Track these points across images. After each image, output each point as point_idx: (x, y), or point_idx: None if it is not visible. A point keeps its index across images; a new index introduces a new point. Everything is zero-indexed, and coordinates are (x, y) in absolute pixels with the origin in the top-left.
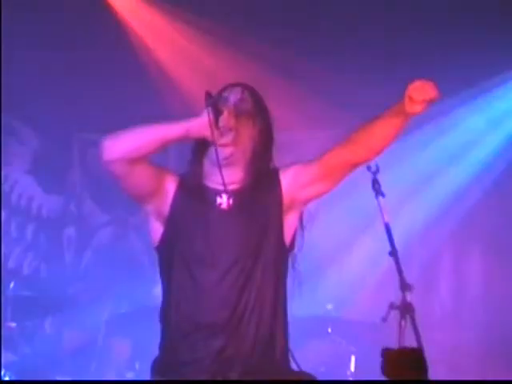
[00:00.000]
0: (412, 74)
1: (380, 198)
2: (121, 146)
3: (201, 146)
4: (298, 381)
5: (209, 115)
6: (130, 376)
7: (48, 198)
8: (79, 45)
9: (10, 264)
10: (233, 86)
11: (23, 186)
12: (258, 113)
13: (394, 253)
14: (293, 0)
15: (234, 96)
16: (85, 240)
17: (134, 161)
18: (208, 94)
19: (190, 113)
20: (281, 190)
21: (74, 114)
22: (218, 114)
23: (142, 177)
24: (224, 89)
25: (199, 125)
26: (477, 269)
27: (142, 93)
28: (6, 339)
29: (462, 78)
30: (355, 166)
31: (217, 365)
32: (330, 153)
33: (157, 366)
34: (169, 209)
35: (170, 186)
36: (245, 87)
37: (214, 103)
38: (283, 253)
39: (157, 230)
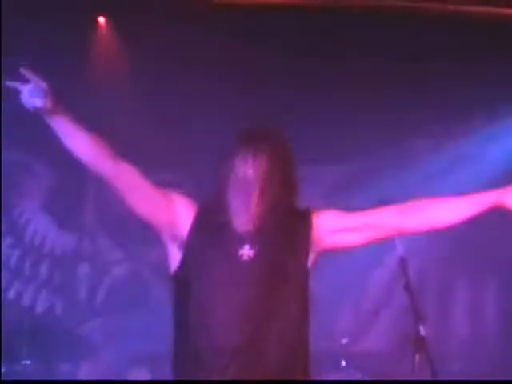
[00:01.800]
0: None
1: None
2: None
3: (232, 191)
4: (298, 381)
5: None
6: None
7: (62, 235)
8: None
9: (25, 301)
10: (247, 145)
11: (37, 222)
12: (280, 159)
13: (408, 287)
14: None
15: (244, 166)
16: (99, 277)
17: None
18: None
19: None
20: (311, 230)
21: None
22: None
23: (138, 188)
24: (240, 147)
25: None
26: (492, 299)
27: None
28: (22, 375)
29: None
30: (399, 232)
31: None
32: (380, 210)
33: None
34: (187, 236)
35: (185, 210)
36: (260, 147)
37: None
38: (305, 289)
39: (174, 255)
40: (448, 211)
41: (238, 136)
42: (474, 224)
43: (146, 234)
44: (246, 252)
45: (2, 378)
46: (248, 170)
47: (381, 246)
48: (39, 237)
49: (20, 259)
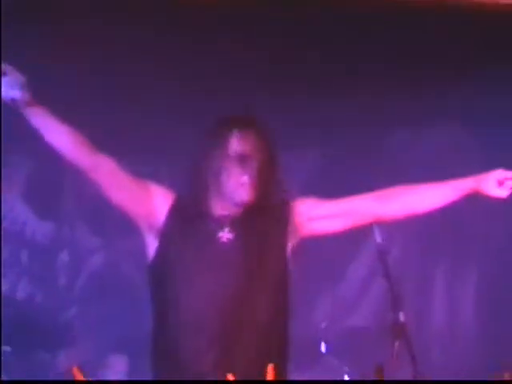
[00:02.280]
0: None
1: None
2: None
3: (210, 177)
4: (298, 381)
5: None
6: None
7: (41, 224)
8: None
9: (5, 289)
10: (242, 126)
11: (16, 212)
12: (266, 155)
13: (386, 274)
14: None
15: (242, 143)
16: (78, 265)
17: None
18: None
19: None
20: (290, 217)
21: None
22: None
23: (114, 179)
24: (233, 127)
25: None
26: (470, 287)
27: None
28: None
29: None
30: (378, 219)
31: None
32: (358, 197)
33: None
34: (162, 225)
35: (161, 199)
36: (254, 129)
37: None
38: (285, 274)
39: (151, 243)
40: (425, 197)
41: (220, 121)
42: (452, 211)
43: (124, 223)
44: (226, 235)
45: None
46: (240, 148)
47: (360, 233)
48: (19, 225)
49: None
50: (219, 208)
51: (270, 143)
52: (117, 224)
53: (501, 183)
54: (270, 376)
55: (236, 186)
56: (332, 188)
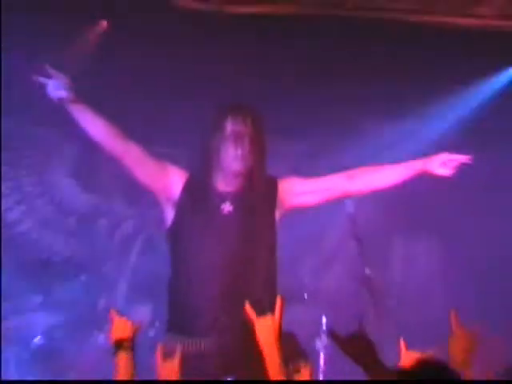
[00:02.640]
0: None
1: None
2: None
3: (214, 155)
4: (301, 381)
5: None
6: (151, 333)
7: (85, 196)
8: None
9: (57, 247)
10: (236, 112)
11: (66, 186)
12: (255, 135)
13: (356, 237)
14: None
15: (236, 124)
16: (113, 229)
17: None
18: None
19: None
20: (277, 193)
21: None
22: None
23: (140, 162)
24: (229, 113)
25: None
26: (423, 247)
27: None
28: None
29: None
30: (348, 194)
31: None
32: (332, 176)
33: (169, 325)
34: (177, 199)
35: (177, 177)
36: (246, 114)
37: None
38: (274, 239)
39: (169, 213)
40: (385, 176)
41: (222, 108)
42: (409, 186)
43: (148, 196)
44: (227, 207)
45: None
46: (233, 129)
47: (334, 205)
48: (67, 197)
49: (54, 214)
50: (223, 185)
51: (259, 126)
52: (143, 197)
53: (444, 164)
54: (278, 306)
55: (231, 159)
56: (314, 166)
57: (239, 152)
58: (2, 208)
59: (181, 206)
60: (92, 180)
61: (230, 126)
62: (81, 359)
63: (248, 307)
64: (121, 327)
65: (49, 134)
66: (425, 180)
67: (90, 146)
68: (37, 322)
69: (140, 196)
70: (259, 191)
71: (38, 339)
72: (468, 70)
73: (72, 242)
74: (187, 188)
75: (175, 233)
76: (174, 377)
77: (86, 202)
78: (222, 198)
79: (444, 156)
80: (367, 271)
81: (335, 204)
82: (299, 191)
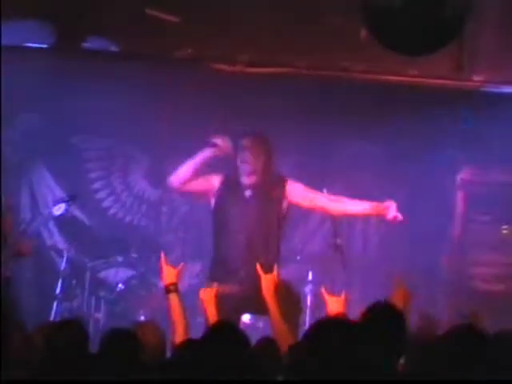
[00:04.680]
0: None
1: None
2: (180, 176)
3: (238, 162)
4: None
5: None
6: (195, 282)
7: (153, 190)
8: None
9: (133, 221)
10: (247, 135)
11: (140, 183)
12: (263, 149)
13: (332, 217)
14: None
15: (247, 143)
16: (173, 212)
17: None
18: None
19: None
20: (285, 189)
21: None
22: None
23: (196, 182)
24: (243, 136)
25: (213, 155)
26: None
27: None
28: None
29: None
30: (326, 211)
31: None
32: (322, 195)
33: (209, 275)
34: (217, 190)
35: (216, 181)
36: (254, 136)
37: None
38: (281, 218)
39: (212, 201)
40: (353, 207)
41: (240, 134)
42: None
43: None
44: (248, 193)
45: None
46: (247, 149)
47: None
48: (142, 191)
49: (132, 203)
50: (245, 179)
51: (268, 147)
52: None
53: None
54: (275, 271)
55: (243, 174)
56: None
57: (251, 159)
58: (98, 198)
59: (219, 195)
60: (158, 179)
61: (244, 147)
62: (149, 300)
63: (258, 267)
64: (169, 273)
65: (130, 148)
66: None
67: (157, 157)
68: (119, 274)
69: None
70: (272, 184)
71: (120, 286)
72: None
73: (144, 221)
74: (223, 183)
75: (217, 212)
76: (213, 301)
77: (153, 194)
78: (245, 187)
79: (392, 205)
80: (338, 241)
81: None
82: (298, 195)
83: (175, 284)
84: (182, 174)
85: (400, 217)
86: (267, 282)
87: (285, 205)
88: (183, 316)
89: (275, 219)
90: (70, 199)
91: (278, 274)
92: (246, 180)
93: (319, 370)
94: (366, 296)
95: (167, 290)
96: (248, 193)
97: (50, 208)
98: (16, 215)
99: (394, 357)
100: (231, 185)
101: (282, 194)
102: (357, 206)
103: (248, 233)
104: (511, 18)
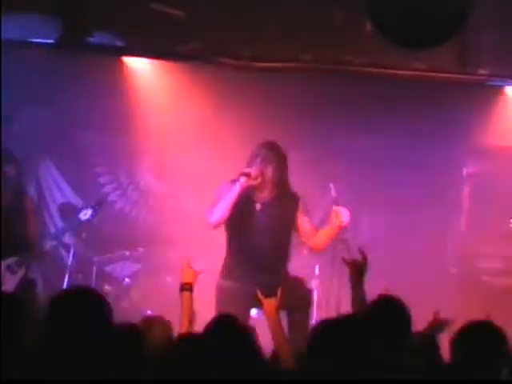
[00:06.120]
0: None
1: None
2: (219, 217)
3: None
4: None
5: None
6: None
7: (159, 184)
8: None
9: (132, 213)
10: (262, 146)
11: (145, 178)
12: (277, 161)
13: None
14: None
15: (261, 150)
16: (177, 208)
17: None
18: (244, 174)
19: None
20: (297, 205)
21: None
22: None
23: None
24: (257, 148)
25: (245, 186)
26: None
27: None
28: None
29: None
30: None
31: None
32: (312, 226)
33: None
34: (234, 205)
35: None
36: (269, 147)
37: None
38: (290, 231)
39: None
40: (324, 236)
41: (259, 144)
42: None
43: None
44: (258, 206)
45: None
46: (268, 153)
47: (323, 191)
48: (146, 186)
49: (138, 197)
50: (257, 194)
51: (282, 157)
52: (199, 182)
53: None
54: (278, 294)
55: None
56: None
57: (262, 173)
58: (105, 192)
59: (237, 207)
60: (163, 174)
61: (260, 160)
62: (155, 292)
63: (259, 293)
64: (187, 273)
65: (135, 143)
66: None
67: (162, 154)
68: (126, 268)
69: (197, 181)
70: (281, 197)
71: (126, 280)
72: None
73: (150, 215)
74: (239, 198)
75: (229, 221)
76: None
77: (159, 188)
78: (257, 201)
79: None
80: (344, 235)
81: (323, 190)
82: (300, 217)
83: (191, 284)
84: (220, 215)
85: (345, 223)
86: (269, 306)
87: (295, 219)
88: (191, 313)
89: (284, 232)
90: (97, 205)
91: (282, 297)
92: (257, 194)
93: (328, 370)
94: (371, 290)
95: (182, 288)
96: (258, 205)
97: (55, 202)
98: (40, 217)
99: (398, 352)
100: (244, 198)
101: (293, 209)
102: (323, 236)
103: (257, 243)
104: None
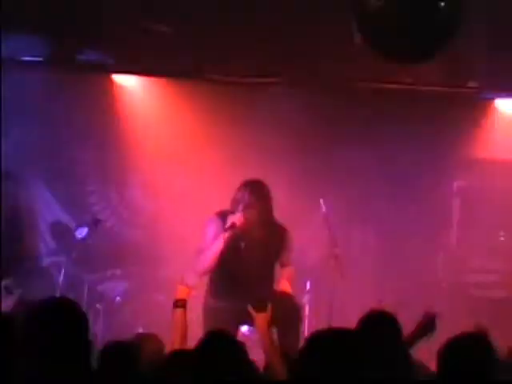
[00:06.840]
0: None
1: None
2: (205, 267)
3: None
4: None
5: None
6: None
7: (149, 204)
8: None
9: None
10: (244, 189)
11: (136, 197)
12: (260, 204)
13: (329, 228)
14: None
15: (243, 195)
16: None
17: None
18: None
19: None
20: (284, 238)
21: None
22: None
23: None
24: (240, 187)
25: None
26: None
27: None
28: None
29: None
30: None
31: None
32: (286, 276)
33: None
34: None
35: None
36: (250, 191)
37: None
38: (276, 258)
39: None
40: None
41: (243, 183)
42: None
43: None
44: (243, 245)
45: None
46: (251, 199)
47: (314, 208)
48: (138, 203)
49: (128, 215)
50: (244, 237)
51: (265, 199)
52: (188, 201)
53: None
54: (269, 309)
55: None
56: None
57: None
58: (95, 210)
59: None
60: (154, 191)
61: (245, 195)
62: (146, 310)
63: (250, 308)
64: (182, 291)
65: (125, 160)
66: None
67: (152, 171)
68: (117, 287)
69: (187, 198)
70: (268, 233)
71: (118, 298)
72: None
73: (141, 233)
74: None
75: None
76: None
77: (150, 207)
78: (243, 239)
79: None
80: (336, 251)
81: (314, 206)
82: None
83: (184, 301)
84: (206, 266)
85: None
86: (260, 321)
87: (280, 252)
88: (184, 330)
89: (271, 260)
90: (94, 223)
91: (272, 312)
92: (243, 235)
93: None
94: (362, 304)
95: (176, 305)
96: (243, 245)
97: (47, 222)
98: (37, 235)
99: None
100: (233, 237)
101: (279, 244)
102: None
103: (243, 269)
104: (500, 25)
